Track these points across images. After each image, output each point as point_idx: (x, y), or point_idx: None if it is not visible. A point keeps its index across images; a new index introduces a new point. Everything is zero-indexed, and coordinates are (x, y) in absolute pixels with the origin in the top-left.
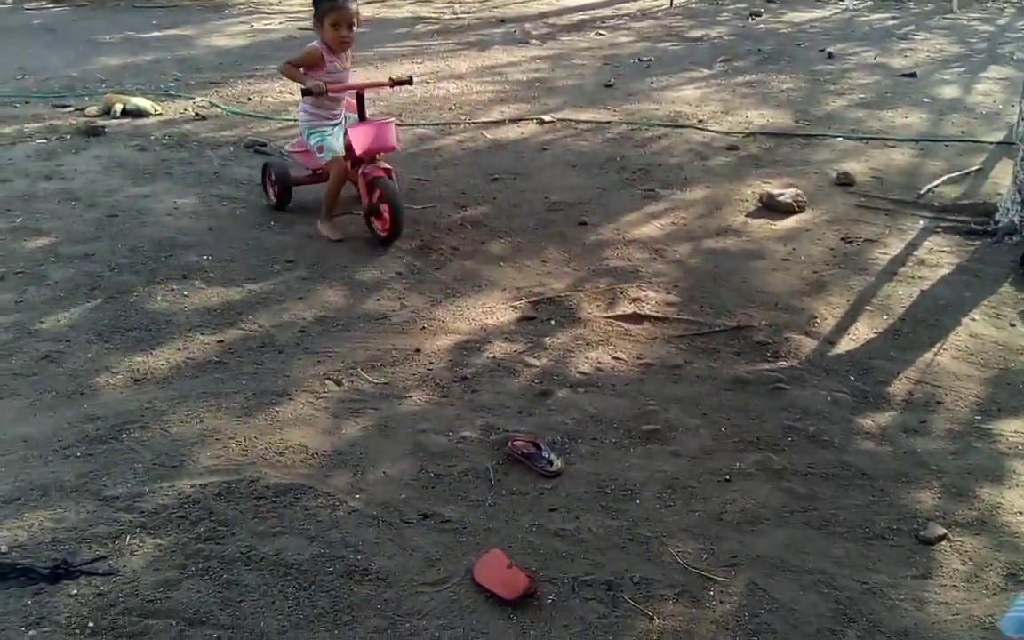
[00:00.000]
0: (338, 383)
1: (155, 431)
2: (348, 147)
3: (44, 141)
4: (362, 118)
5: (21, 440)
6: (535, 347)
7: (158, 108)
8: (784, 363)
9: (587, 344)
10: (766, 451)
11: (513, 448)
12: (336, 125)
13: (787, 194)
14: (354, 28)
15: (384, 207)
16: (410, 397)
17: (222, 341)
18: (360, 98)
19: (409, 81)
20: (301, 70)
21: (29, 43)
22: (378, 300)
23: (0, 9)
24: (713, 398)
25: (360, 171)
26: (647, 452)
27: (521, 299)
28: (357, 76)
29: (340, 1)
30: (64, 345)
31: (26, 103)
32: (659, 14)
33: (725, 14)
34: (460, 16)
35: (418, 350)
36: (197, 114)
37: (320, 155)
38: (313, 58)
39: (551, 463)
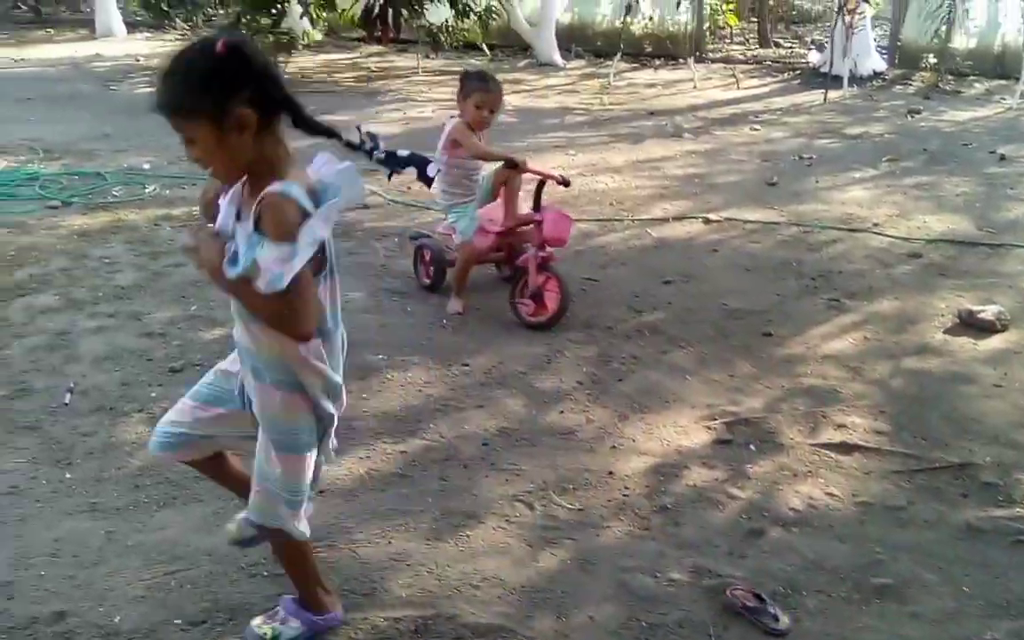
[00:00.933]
0: (530, 507)
1: (343, 551)
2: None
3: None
4: (537, 206)
5: (205, 554)
6: (737, 476)
7: None
8: (1020, 510)
9: (794, 475)
10: (1020, 619)
11: (733, 598)
12: (471, 202)
13: (988, 311)
14: (495, 113)
15: (551, 293)
16: (608, 527)
17: (405, 452)
18: (541, 186)
19: (566, 183)
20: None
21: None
22: (561, 412)
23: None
24: (947, 548)
25: (535, 254)
26: (881, 611)
27: (715, 418)
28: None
29: (490, 84)
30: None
31: (193, 185)
32: (813, 109)
33: (882, 111)
34: (608, 107)
35: (611, 473)
36: (366, 205)
37: (455, 236)
38: (466, 135)
39: (777, 619)
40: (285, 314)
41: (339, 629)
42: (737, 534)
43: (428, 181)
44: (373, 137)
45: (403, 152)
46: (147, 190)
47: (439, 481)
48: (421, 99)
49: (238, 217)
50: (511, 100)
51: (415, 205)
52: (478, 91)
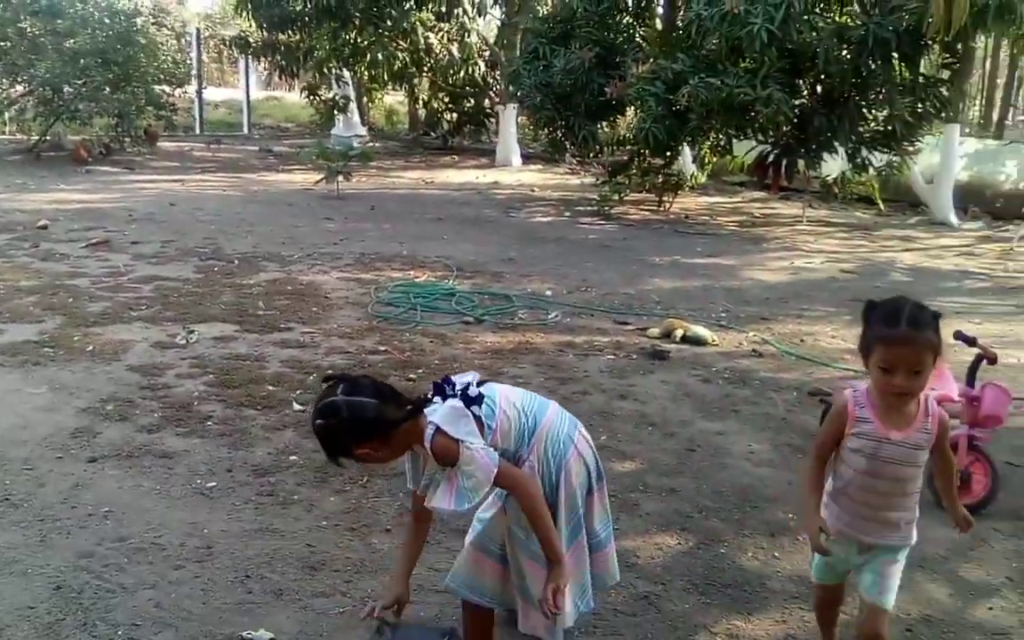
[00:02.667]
0: None
1: None
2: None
3: (612, 357)
4: (972, 380)
5: None
6: None
7: (715, 338)
8: None
9: None
10: None
11: None
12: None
13: None
14: (922, 377)
15: (979, 475)
16: None
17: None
18: (979, 360)
19: (993, 359)
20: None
21: (588, 257)
22: (990, 608)
23: (559, 222)
24: None
25: (967, 431)
26: None
27: None
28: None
29: (901, 328)
30: (659, 588)
31: (591, 315)
32: None
33: None
34: (1013, 274)
35: None
36: (753, 350)
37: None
38: (839, 423)
39: None
40: None
41: None
42: None
43: None
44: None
45: None
46: (550, 316)
47: None
48: (807, 249)
49: None
50: (904, 258)
51: (810, 359)
52: (881, 342)
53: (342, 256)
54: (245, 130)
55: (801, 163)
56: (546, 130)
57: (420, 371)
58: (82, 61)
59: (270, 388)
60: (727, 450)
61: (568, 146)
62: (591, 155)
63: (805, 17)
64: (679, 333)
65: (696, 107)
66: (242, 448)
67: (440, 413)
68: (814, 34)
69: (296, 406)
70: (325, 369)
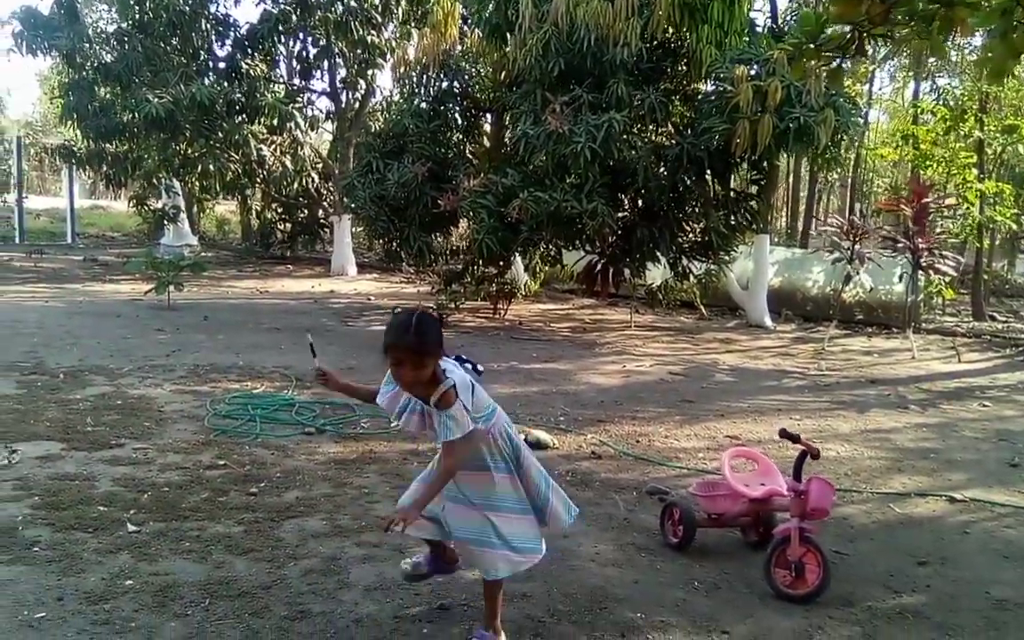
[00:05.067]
0: None
1: None
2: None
3: None
4: (798, 475)
5: None
6: None
7: (555, 441)
8: None
9: None
10: None
11: None
12: None
13: None
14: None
15: (811, 566)
16: None
17: None
18: (804, 455)
19: (816, 455)
20: None
21: None
22: None
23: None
24: None
25: (797, 524)
26: None
27: None
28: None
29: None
30: None
31: None
32: None
33: None
34: (826, 373)
35: None
36: (592, 452)
37: None
38: None
39: None
40: None
41: None
42: None
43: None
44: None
45: None
46: (393, 423)
47: None
48: (637, 353)
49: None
50: (726, 359)
51: (646, 459)
52: None
53: (175, 368)
54: (69, 239)
55: (627, 271)
56: (382, 241)
57: (262, 484)
58: None
59: (101, 509)
60: (574, 552)
61: (403, 256)
62: (426, 265)
63: (624, 136)
64: (521, 438)
65: (527, 219)
66: (73, 574)
67: (458, 377)
68: (633, 152)
69: (130, 527)
70: (160, 487)
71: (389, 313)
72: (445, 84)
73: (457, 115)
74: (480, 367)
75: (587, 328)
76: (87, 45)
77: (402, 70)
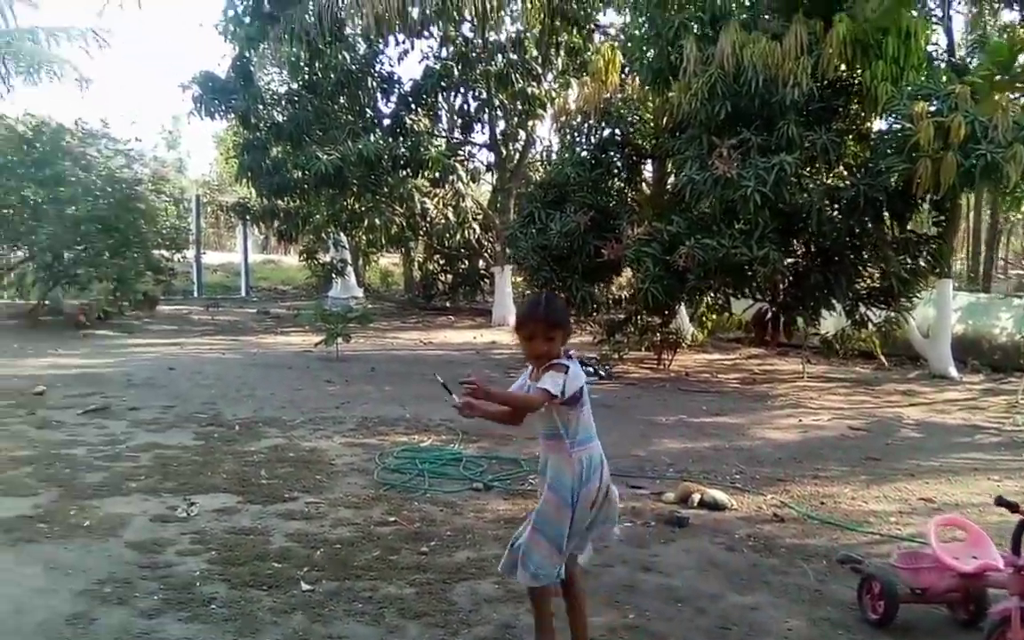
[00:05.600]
0: None
1: None
2: None
3: (630, 524)
4: (1018, 549)
5: None
6: None
7: (732, 502)
8: None
9: None
10: None
11: None
12: None
13: None
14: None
15: None
16: None
17: None
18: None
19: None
20: None
21: (594, 417)
22: None
23: None
24: None
25: (1019, 605)
26: None
27: None
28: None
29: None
30: None
31: None
32: None
33: None
34: (1021, 427)
35: None
36: (774, 514)
37: None
38: None
39: None
40: None
41: None
42: None
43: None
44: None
45: None
46: None
47: None
48: (812, 405)
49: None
50: (910, 413)
51: (833, 523)
52: None
53: (345, 420)
54: (243, 293)
55: (799, 319)
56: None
57: (432, 543)
58: (83, 227)
59: (276, 565)
60: (764, 627)
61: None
62: (587, 314)
63: (795, 179)
64: (696, 497)
65: (694, 267)
66: (248, 634)
67: (577, 371)
68: (805, 195)
69: (304, 586)
70: (333, 543)
71: None
72: (607, 132)
73: (618, 163)
74: (603, 371)
75: (757, 379)
76: (260, 106)
77: (563, 119)
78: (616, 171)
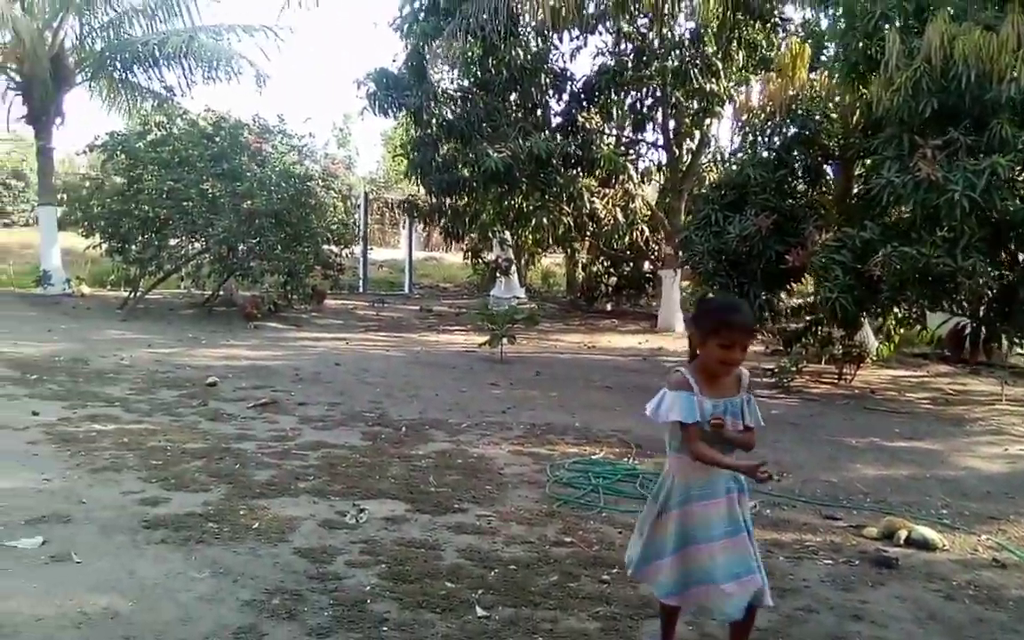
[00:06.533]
0: None
1: None
2: None
3: (831, 562)
4: None
5: None
6: None
7: (943, 541)
8: None
9: None
10: None
11: None
12: None
13: None
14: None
15: None
16: None
17: None
18: None
19: None
20: None
21: (777, 435)
22: None
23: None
24: None
25: None
26: None
27: None
28: None
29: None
30: None
31: (793, 507)
32: None
33: None
34: None
35: None
36: (994, 559)
37: None
38: None
39: None
40: None
41: None
42: None
43: None
44: None
45: None
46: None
47: None
48: (1017, 433)
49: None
50: None
51: None
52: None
53: (511, 426)
54: (406, 289)
55: (1004, 337)
56: None
57: (613, 571)
58: (257, 221)
59: (448, 585)
60: None
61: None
62: (762, 323)
63: (1008, 184)
64: (902, 534)
65: (888, 277)
66: None
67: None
68: (1018, 201)
69: (479, 611)
70: (507, 563)
71: None
72: (792, 130)
73: (804, 163)
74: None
75: (949, 400)
76: (432, 103)
77: (745, 117)
78: (801, 173)
